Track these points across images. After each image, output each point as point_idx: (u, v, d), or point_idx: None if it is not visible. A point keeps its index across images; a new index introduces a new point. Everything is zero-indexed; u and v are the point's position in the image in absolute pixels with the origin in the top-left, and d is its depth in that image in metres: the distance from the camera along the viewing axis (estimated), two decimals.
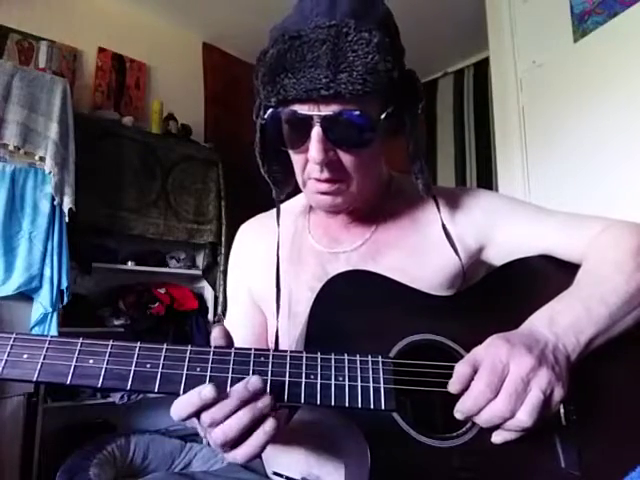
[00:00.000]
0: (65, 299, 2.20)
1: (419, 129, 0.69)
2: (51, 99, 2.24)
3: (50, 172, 2.17)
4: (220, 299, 2.88)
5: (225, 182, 2.98)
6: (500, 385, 0.52)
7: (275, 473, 0.75)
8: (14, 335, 0.52)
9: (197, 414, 0.50)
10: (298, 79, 0.60)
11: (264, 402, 0.50)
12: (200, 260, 2.96)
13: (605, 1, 1.76)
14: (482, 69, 3.26)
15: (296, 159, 0.69)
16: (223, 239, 2.90)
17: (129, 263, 2.66)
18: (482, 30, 2.35)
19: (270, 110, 0.65)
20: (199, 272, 2.91)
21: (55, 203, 2.19)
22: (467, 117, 3.44)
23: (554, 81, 1.96)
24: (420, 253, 0.74)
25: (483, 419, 0.52)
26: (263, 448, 0.50)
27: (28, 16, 2.63)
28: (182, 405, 0.50)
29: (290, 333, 0.75)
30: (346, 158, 0.66)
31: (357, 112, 0.62)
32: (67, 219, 2.22)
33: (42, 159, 2.20)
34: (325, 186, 0.68)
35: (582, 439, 0.57)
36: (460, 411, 0.53)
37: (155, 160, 2.76)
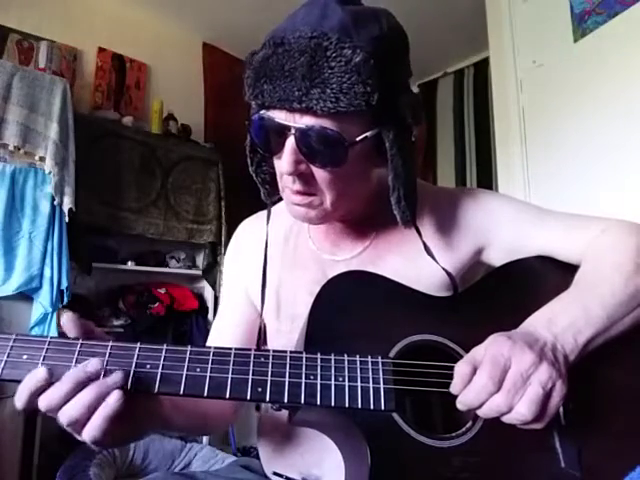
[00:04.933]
0: (65, 299, 2.20)
1: (406, 156, 0.66)
2: (51, 99, 2.24)
3: (50, 172, 2.17)
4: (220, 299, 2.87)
5: (225, 182, 2.97)
6: (502, 379, 0.52)
7: (275, 473, 0.75)
8: (14, 336, 0.52)
9: (33, 399, 0.49)
10: (274, 87, 0.59)
11: (113, 379, 0.50)
12: (200, 260, 2.96)
13: (605, 1, 1.76)
14: (482, 69, 3.25)
15: (276, 165, 0.69)
16: (223, 239, 2.90)
17: (129, 263, 2.66)
18: (482, 30, 2.35)
19: (255, 113, 0.65)
20: (199, 272, 2.91)
21: (55, 203, 2.18)
22: (467, 117, 3.43)
23: (554, 81, 1.96)
24: (418, 258, 0.73)
25: (483, 412, 0.53)
26: (108, 423, 0.49)
27: (28, 16, 2.63)
28: (19, 390, 0.50)
29: (289, 336, 0.75)
30: (319, 173, 0.64)
31: (330, 129, 0.60)
32: (67, 219, 2.22)
33: (42, 159, 2.20)
34: (298, 198, 0.67)
35: (582, 439, 0.57)
36: (462, 403, 0.54)
37: (155, 160, 2.76)
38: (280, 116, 0.62)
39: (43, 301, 2.14)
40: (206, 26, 3.24)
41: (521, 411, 0.51)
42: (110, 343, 0.53)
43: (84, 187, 2.35)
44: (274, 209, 0.81)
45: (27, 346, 0.52)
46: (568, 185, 1.85)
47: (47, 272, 2.15)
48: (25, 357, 0.51)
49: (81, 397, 0.49)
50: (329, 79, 0.57)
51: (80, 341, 0.53)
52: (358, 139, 0.62)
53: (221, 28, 3.24)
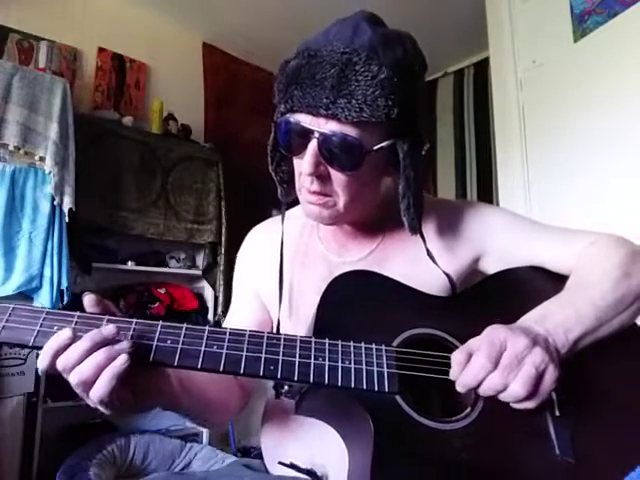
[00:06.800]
0: (65, 299, 2.20)
1: (417, 168, 0.71)
2: (51, 99, 2.24)
3: (50, 172, 2.17)
4: (220, 299, 2.87)
5: (225, 182, 2.97)
6: (498, 358, 0.57)
7: (280, 463, 0.76)
8: (46, 310, 0.58)
9: (55, 359, 0.53)
10: (304, 94, 0.65)
11: (122, 345, 0.54)
12: (200, 260, 2.96)
13: (605, 1, 1.77)
14: (482, 69, 3.26)
15: (296, 165, 0.74)
16: (223, 239, 2.90)
17: (129, 263, 2.65)
18: (482, 30, 2.36)
19: (281, 115, 0.70)
20: (199, 272, 2.91)
21: (55, 203, 2.18)
22: (467, 117, 3.44)
23: (554, 81, 1.97)
24: (420, 262, 0.77)
25: (482, 390, 0.58)
26: (114, 383, 0.52)
27: (28, 16, 2.63)
28: (44, 350, 0.53)
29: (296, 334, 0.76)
30: (336, 176, 0.70)
31: (351, 137, 0.65)
32: (67, 219, 2.22)
33: (42, 159, 2.20)
34: (314, 198, 0.72)
35: (575, 429, 0.60)
36: (461, 384, 0.58)
37: (155, 160, 2.76)
38: (305, 120, 0.67)
39: (43, 301, 2.13)
40: (206, 26, 3.24)
41: (515, 389, 0.56)
42: (135, 320, 0.57)
43: (84, 187, 2.35)
44: (287, 214, 0.85)
45: (58, 318, 0.56)
46: (568, 185, 1.86)
47: (47, 272, 2.15)
48: (56, 328, 0.55)
49: (94, 357, 0.53)
50: (355, 91, 0.63)
51: (107, 317, 0.57)
52: (375, 148, 0.68)
53: (221, 28, 3.24)
